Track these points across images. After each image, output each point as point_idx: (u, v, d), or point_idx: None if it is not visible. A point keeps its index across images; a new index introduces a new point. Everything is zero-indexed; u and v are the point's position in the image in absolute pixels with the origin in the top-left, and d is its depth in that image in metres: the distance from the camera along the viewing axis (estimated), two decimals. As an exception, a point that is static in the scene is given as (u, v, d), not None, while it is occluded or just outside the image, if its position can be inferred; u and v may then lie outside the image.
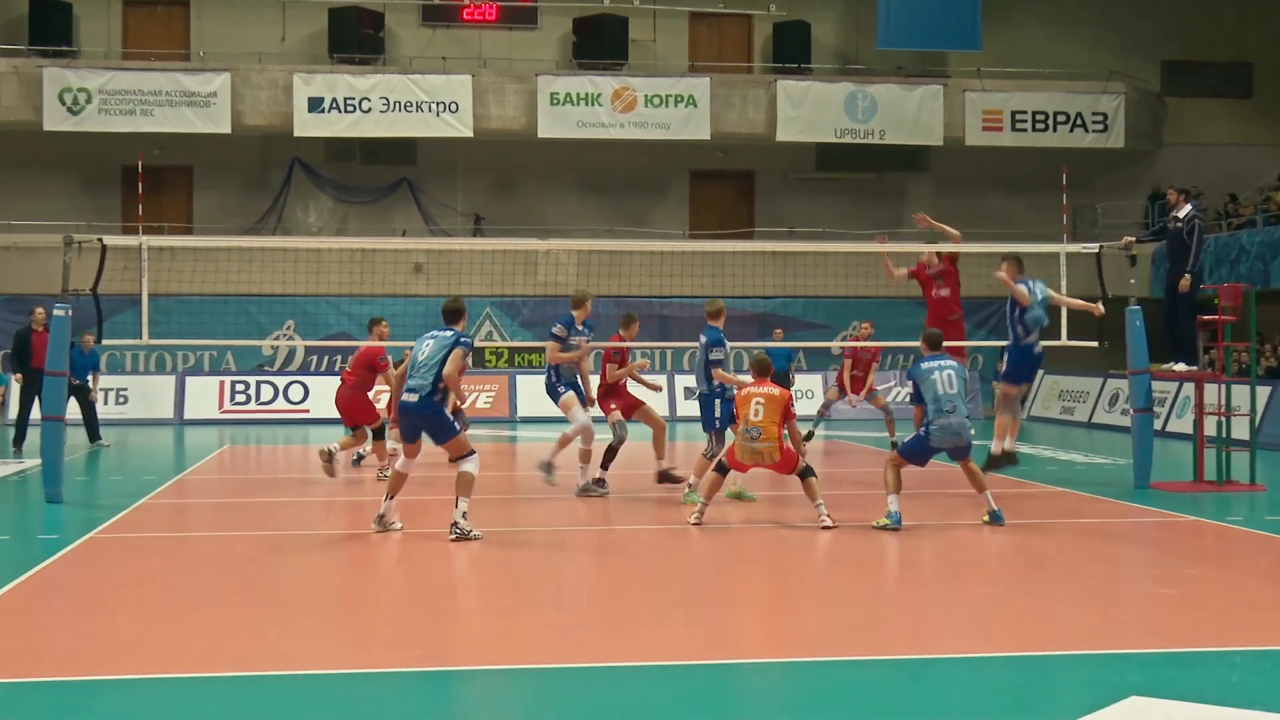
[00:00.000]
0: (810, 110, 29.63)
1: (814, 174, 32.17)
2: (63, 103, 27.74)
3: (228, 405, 26.00)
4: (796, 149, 31.32)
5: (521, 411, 26.04)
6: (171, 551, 10.74)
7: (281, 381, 26.58)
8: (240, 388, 26.30)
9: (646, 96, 29.09)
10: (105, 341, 16.51)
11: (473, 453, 11.14)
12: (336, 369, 27.93)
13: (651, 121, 29.16)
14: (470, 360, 11.36)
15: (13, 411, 21.10)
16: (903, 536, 11.11)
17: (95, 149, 29.10)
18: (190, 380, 26.42)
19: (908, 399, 13.11)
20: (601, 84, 29.08)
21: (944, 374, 11.67)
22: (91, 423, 20.41)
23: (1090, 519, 12.40)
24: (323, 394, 26.27)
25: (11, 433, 19.94)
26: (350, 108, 28.35)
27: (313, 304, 28.03)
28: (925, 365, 11.73)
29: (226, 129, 28.19)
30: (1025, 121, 30.46)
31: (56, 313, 13.75)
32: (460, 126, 28.66)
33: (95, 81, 27.87)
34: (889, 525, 11.38)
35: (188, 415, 25.77)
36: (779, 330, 22.19)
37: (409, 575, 9.88)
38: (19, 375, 19.73)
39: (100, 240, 14.37)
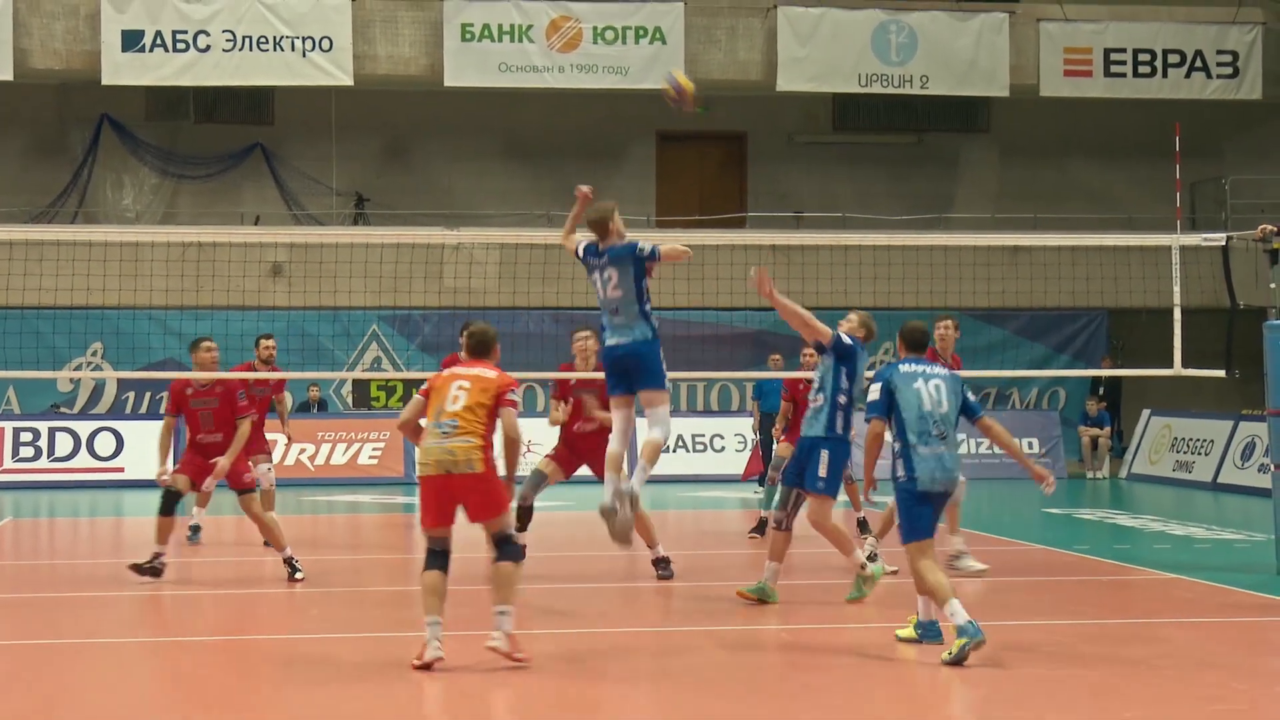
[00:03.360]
0: (825, 48, 29.72)
1: (830, 137, 32.25)
2: None
3: (8, 463, 25.80)
4: (806, 102, 31.41)
5: (423, 470, 26.04)
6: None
7: (85, 428, 26.37)
8: (26, 437, 26.07)
9: (595, 30, 29.13)
10: None
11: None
12: (161, 410, 27.79)
13: (603, 64, 29.20)
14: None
15: None
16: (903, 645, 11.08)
17: None
18: (-46, 428, 26.27)
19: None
20: (533, 12, 29.09)
21: (930, 384, 11.24)
22: None
23: (1215, 617, 12.42)
24: (143, 445, 26.10)
25: None
26: (181, 45, 28.23)
27: (129, 319, 27.83)
28: (905, 368, 11.32)
29: (7, 74, 28.03)
30: (1124, 63, 30.62)
31: None
32: (336, 71, 28.59)
33: None
34: (965, 644, 10.30)
35: (-50, 477, 25.63)
36: (777, 356, 22.18)
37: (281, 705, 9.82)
38: None
39: None
